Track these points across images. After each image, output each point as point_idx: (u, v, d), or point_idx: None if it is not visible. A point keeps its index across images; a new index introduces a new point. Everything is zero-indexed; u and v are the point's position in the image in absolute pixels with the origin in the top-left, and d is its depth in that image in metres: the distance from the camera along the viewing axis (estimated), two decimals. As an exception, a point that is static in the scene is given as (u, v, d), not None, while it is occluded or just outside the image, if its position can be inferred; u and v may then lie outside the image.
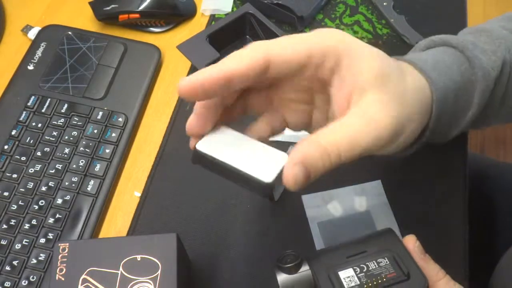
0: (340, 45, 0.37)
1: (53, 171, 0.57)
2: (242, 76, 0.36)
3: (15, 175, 0.57)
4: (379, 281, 0.37)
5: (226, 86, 0.36)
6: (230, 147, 0.38)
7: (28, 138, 0.59)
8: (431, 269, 0.40)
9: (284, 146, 0.57)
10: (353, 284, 0.37)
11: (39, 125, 0.60)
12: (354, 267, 0.38)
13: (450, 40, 0.48)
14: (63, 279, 0.44)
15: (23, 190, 0.56)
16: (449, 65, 0.45)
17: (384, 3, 0.70)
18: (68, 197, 0.56)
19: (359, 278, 0.37)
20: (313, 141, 0.36)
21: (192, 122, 0.39)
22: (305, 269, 0.38)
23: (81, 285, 0.43)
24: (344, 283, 0.37)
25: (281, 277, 0.38)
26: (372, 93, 0.37)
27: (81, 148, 0.59)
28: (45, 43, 0.67)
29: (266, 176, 0.36)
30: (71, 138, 0.59)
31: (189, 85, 0.36)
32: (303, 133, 0.46)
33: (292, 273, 0.38)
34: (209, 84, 0.36)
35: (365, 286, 0.37)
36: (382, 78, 0.37)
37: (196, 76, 0.36)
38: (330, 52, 0.37)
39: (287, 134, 0.52)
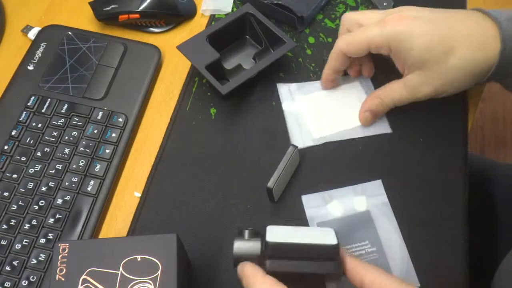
0: (392, 42, 0.54)
1: (53, 171, 0.57)
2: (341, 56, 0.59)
3: (15, 175, 0.57)
4: None
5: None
6: (292, 235, 0.44)
7: (28, 138, 0.59)
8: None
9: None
10: None
11: (39, 125, 0.60)
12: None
13: None
14: (63, 279, 0.44)
15: (23, 190, 0.56)
16: None
17: (384, 3, 0.70)
18: (68, 197, 0.56)
19: None
20: (374, 95, 0.60)
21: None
22: (257, 239, 0.44)
23: (81, 285, 0.43)
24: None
25: (237, 241, 0.44)
26: (415, 74, 0.55)
27: (81, 148, 0.59)
28: (45, 43, 0.67)
29: (331, 240, 0.43)
30: (71, 138, 0.59)
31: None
32: (346, 133, 0.61)
33: (247, 239, 0.44)
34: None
35: None
36: (422, 62, 0.54)
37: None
38: (383, 45, 0.55)
39: (332, 134, 0.61)
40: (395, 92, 0.58)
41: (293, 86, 0.64)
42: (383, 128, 0.61)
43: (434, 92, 0.56)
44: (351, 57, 0.59)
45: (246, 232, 0.44)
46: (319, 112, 0.62)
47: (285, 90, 0.64)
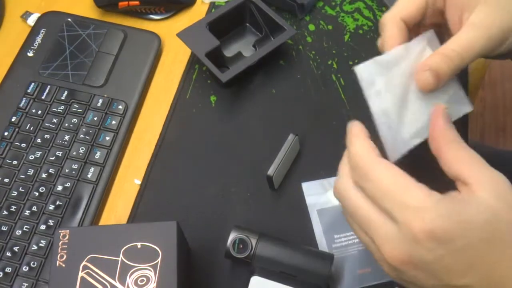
0: None
1: (53, 158, 0.57)
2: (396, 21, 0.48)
3: (15, 162, 0.57)
4: None
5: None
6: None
7: (28, 125, 0.59)
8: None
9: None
10: None
11: (39, 112, 0.60)
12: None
13: None
14: (63, 265, 0.44)
15: (23, 176, 0.56)
16: None
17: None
18: (68, 184, 0.56)
19: None
20: (436, 52, 0.45)
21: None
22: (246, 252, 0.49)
23: (82, 271, 0.43)
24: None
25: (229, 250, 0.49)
26: (479, 9, 0.45)
27: (81, 136, 0.59)
28: (44, 29, 0.66)
29: None
30: (71, 125, 0.59)
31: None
32: None
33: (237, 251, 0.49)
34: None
35: None
36: None
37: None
38: None
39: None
40: (462, 37, 0.45)
41: (375, 65, 0.44)
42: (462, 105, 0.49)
43: (505, 28, 0.46)
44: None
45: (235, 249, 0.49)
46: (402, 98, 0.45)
47: (366, 74, 0.44)
